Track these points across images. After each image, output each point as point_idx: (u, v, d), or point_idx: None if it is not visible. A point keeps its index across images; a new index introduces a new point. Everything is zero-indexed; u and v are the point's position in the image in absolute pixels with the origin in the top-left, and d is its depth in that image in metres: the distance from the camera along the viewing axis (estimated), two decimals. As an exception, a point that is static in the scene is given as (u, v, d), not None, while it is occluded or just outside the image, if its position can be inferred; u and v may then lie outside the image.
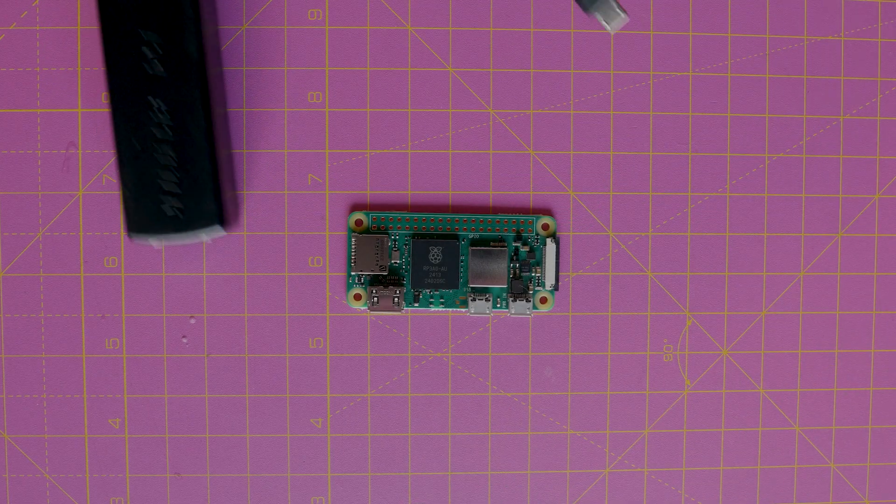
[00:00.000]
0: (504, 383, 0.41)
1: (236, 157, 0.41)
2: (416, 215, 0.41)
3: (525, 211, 0.41)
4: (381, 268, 0.40)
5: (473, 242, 0.41)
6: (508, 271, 0.41)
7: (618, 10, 0.37)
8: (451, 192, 0.41)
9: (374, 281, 0.41)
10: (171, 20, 0.37)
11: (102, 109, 0.40)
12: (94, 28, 0.40)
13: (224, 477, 0.41)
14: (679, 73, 0.41)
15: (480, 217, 0.41)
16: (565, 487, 0.41)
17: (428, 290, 0.41)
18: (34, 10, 0.40)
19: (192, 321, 0.40)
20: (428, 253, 0.40)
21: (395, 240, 0.41)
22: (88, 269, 0.40)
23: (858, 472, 0.42)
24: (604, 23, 0.38)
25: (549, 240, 0.41)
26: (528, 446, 0.41)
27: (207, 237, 0.38)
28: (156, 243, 0.38)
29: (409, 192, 0.41)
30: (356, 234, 0.40)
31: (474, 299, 0.40)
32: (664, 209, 0.41)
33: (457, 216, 0.41)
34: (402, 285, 0.40)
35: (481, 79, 0.41)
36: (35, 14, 0.40)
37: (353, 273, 0.41)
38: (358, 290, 0.41)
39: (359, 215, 0.41)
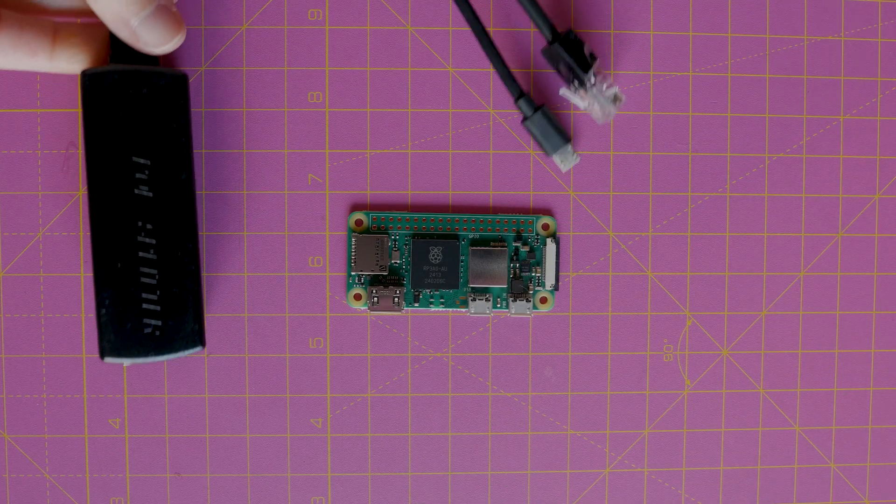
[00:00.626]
0: (504, 383, 0.41)
1: (236, 157, 0.41)
2: (416, 215, 0.41)
3: (525, 211, 0.41)
4: (381, 268, 0.40)
5: (473, 242, 0.41)
6: (508, 271, 0.41)
7: (573, 155, 0.40)
8: (451, 192, 0.41)
9: (374, 281, 0.41)
10: (163, 146, 0.37)
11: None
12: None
13: (224, 477, 0.41)
14: (679, 73, 0.41)
15: (480, 217, 0.41)
16: (565, 487, 0.41)
17: (428, 290, 0.41)
18: (34, 10, 0.40)
19: (192, 321, 0.40)
20: (428, 253, 0.40)
21: (395, 240, 0.41)
22: (88, 270, 0.40)
23: (858, 472, 0.42)
24: (560, 164, 0.40)
25: (549, 240, 0.41)
26: (528, 446, 0.41)
27: (184, 355, 0.38)
28: (127, 363, 0.38)
29: (409, 192, 0.41)
30: (356, 234, 0.40)
31: (474, 299, 0.40)
32: (664, 209, 0.41)
33: (457, 216, 0.41)
34: (402, 285, 0.40)
35: (481, 79, 0.41)
36: (35, 14, 0.40)
37: (353, 273, 0.41)
38: (358, 290, 0.41)
39: (359, 215, 0.41)
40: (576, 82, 0.38)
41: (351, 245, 0.40)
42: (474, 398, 0.41)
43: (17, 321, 0.40)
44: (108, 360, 0.37)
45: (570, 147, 0.40)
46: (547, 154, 0.40)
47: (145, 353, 0.37)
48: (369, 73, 0.41)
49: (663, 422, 0.42)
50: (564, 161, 0.40)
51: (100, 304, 0.36)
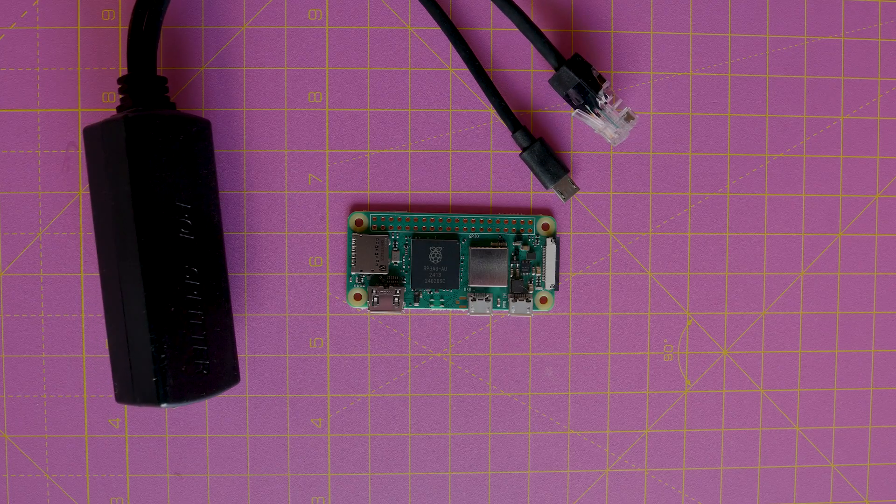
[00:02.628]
0: (504, 383, 0.41)
1: (236, 157, 0.41)
2: (416, 215, 0.41)
3: (525, 211, 0.41)
4: (381, 268, 0.40)
5: (473, 242, 0.41)
6: (508, 271, 0.41)
7: (573, 185, 0.40)
8: (451, 192, 0.41)
9: (374, 281, 0.41)
10: (198, 190, 0.37)
11: (102, 109, 0.40)
12: (93, 28, 0.40)
13: (224, 477, 0.41)
14: (679, 73, 0.41)
15: (480, 217, 0.41)
16: (565, 487, 0.41)
17: (428, 290, 0.41)
18: (34, 10, 0.40)
19: (192, 321, 0.40)
20: (428, 253, 0.40)
21: (395, 240, 0.41)
22: (88, 270, 0.40)
23: (858, 472, 0.42)
24: (560, 196, 0.40)
25: (549, 240, 0.41)
26: (528, 446, 0.41)
27: (224, 392, 0.39)
28: (176, 406, 0.37)
29: (409, 192, 0.41)
30: (356, 234, 0.40)
31: (474, 299, 0.40)
32: (664, 209, 0.41)
33: (457, 216, 0.41)
34: (402, 285, 0.40)
35: (481, 79, 0.41)
36: (35, 14, 0.40)
37: (353, 273, 0.41)
38: (358, 290, 0.41)
39: (359, 215, 0.41)
40: (587, 106, 0.39)
41: (351, 245, 0.40)
42: (474, 398, 0.41)
43: (17, 321, 0.40)
44: (167, 406, 0.36)
45: (568, 177, 0.40)
46: (545, 186, 0.40)
47: (198, 395, 0.36)
48: (369, 73, 0.41)
49: (663, 422, 0.42)
50: (564, 192, 0.40)
51: (158, 351, 0.35)
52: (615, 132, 0.39)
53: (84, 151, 0.38)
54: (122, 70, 0.40)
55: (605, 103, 0.39)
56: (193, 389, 0.36)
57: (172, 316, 0.36)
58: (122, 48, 0.40)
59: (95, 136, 0.36)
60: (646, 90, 0.41)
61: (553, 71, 0.39)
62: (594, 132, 0.41)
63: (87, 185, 0.40)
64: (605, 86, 0.39)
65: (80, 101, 0.40)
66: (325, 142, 0.41)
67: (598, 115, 0.39)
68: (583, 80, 0.39)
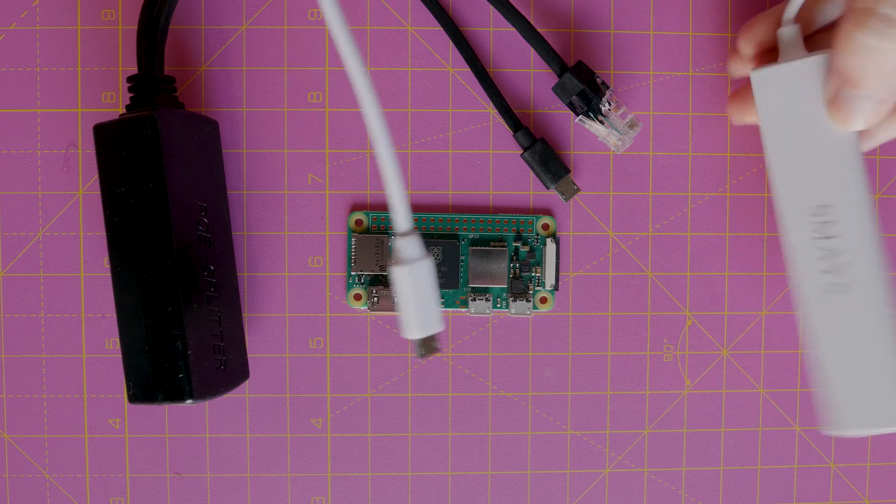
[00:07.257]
0: (504, 383, 0.41)
1: (236, 157, 0.41)
2: (416, 215, 0.41)
3: (525, 211, 0.41)
4: (381, 268, 0.40)
5: (473, 242, 0.41)
6: (508, 271, 0.41)
7: (574, 186, 0.40)
8: (451, 192, 0.41)
9: (374, 281, 0.41)
10: (211, 189, 0.38)
11: (102, 109, 0.40)
12: (93, 28, 0.40)
13: (224, 477, 0.41)
14: (679, 73, 0.41)
15: (480, 217, 0.41)
16: (565, 487, 0.41)
17: (428, 290, 0.41)
18: (34, 10, 0.40)
19: (192, 321, 0.40)
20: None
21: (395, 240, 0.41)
22: (88, 270, 0.40)
23: (858, 472, 0.42)
24: (561, 196, 0.40)
25: (549, 240, 0.41)
26: (528, 446, 0.41)
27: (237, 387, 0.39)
28: (200, 402, 0.37)
29: (410, 192, 0.41)
30: (356, 234, 0.40)
31: (474, 299, 0.40)
32: (664, 209, 0.41)
33: (457, 216, 0.41)
34: (402, 285, 0.40)
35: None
36: (35, 14, 0.40)
37: (353, 273, 0.41)
38: (358, 290, 0.41)
39: (359, 215, 0.41)
40: (590, 113, 0.39)
41: (351, 245, 0.40)
42: (474, 398, 0.41)
43: (17, 321, 0.40)
44: (192, 402, 0.36)
45: (569, 178, 0.40)
46: (547, 186, 0.40)
47: (217, 390, 0.37)
48: (369, 74, 0.41)
49: (663, 422, 0.42)
50: (565, 192, 0.40)
51: (185, 347, 0.35)
52: (618, 139, 0.39)
53: (94, 149, 0.37)
54: (123, 70, 0.40)
55: (609, 110, 0.39)
56: (213, 385, 0.37)
57: (195, 312, 0.36)
58: (122, 48, 0.40)
59: (110, 134, 0.36)
60: (646, 90, 0.41)
61: (556, 77, 0.39)
62: (594, 133, 0.41)
63: (88, 185, 0.40)
64: (608, 93, 0.39)
65: (80, 101, 0.40)
66: (325, 142, 0.41)
67: (601, 122, 0.39)
68: (586, 86, 0.39)
